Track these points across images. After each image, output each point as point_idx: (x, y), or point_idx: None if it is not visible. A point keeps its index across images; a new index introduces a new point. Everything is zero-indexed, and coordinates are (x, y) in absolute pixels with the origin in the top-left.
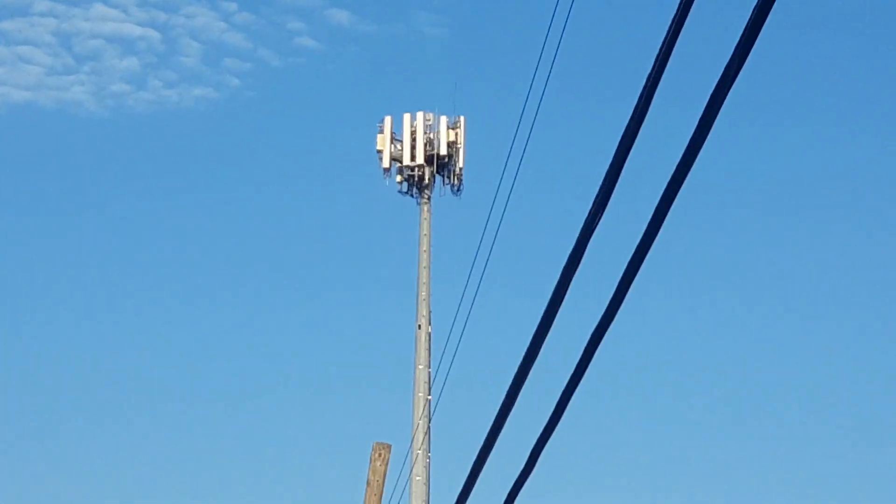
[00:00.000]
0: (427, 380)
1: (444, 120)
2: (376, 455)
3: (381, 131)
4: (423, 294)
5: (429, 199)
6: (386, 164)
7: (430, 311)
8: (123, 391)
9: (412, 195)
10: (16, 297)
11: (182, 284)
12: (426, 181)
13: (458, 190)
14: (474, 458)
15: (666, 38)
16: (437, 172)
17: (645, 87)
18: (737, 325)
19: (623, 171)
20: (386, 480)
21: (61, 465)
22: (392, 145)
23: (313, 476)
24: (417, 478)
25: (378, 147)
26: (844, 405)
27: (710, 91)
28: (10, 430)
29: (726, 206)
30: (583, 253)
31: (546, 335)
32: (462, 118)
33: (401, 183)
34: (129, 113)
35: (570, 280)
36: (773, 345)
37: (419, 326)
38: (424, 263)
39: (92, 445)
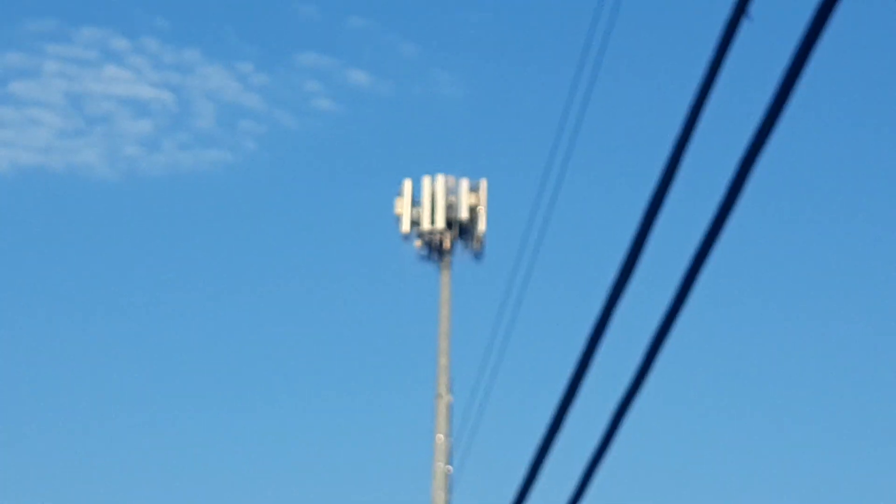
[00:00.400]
0: (447, 451)
1: (464, 183)
2: None
3: (400, 195)
4: (443, 362)
5: (449, 264)
6: (405, 228)
7: (450, 380)
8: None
9: (432, 260)
10: (23, 363)
11: (191, 352)
12: (446, 246)
13: (480, 255)
14: None
15: (696, 96)
16: (458, 237)
17: (673, 152)
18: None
19: (650, 234)
20: None
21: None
22: (411, 209)
23: None
24: None
25: (397, 211)
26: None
27: (742, 155)
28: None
29: (763, 271)
30: (608, 319)
31: (571, 404)
32: (484, 181)
33: (420, 248)
34: (141, 176)
35: (596, 347)
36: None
37: (439, 396)
38: (444, 330)
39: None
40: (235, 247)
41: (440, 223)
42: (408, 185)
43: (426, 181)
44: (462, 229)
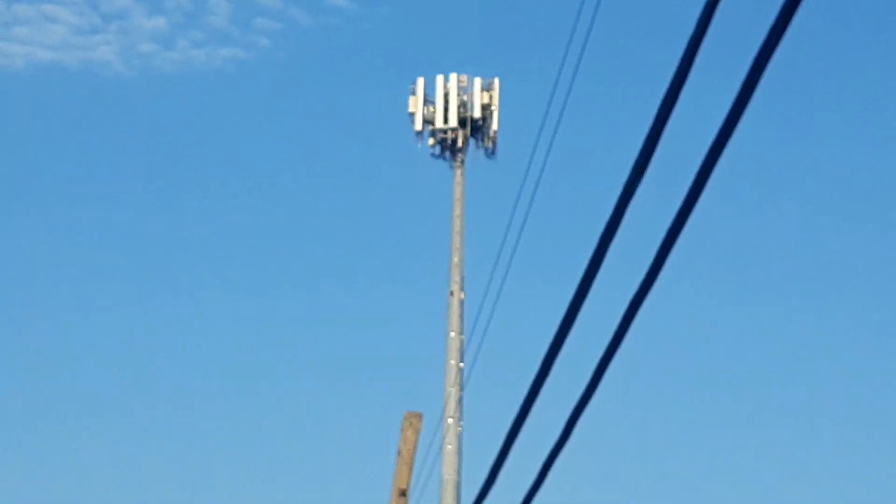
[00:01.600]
0: (459, 347)
1: (477, 82)
2: (407, 424)
3: (414, 93)
4: (456, 259)
5: (462, 162)
6: (418, 126)
7: (462, 277)
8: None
9: (445, 158)
10: (30, 259)
11: (207, 248)
12: (459, 144)
13: (493, 153)
14: (508, 427)
15: None
16: (471, 135)
17: (688, 45)
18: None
19: (665, 130)
20: (417, 450)
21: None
22: (424, 108)
23: (343, 446)
24: (449, 447)
25: (410, 109)
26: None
27: (758, 48)
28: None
29: (778, 159)
30: (621, 217)
31: (583, 302)
32: (496, 80)
33: (433, 146)
34: (156, 73)
35: (608, 246)
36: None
37: (451, 293)
38: (457, 228)
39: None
40: (249, 144)
41: (453, 121)
42: (421, 83)
43: (439, 80)
44: (475, 128)
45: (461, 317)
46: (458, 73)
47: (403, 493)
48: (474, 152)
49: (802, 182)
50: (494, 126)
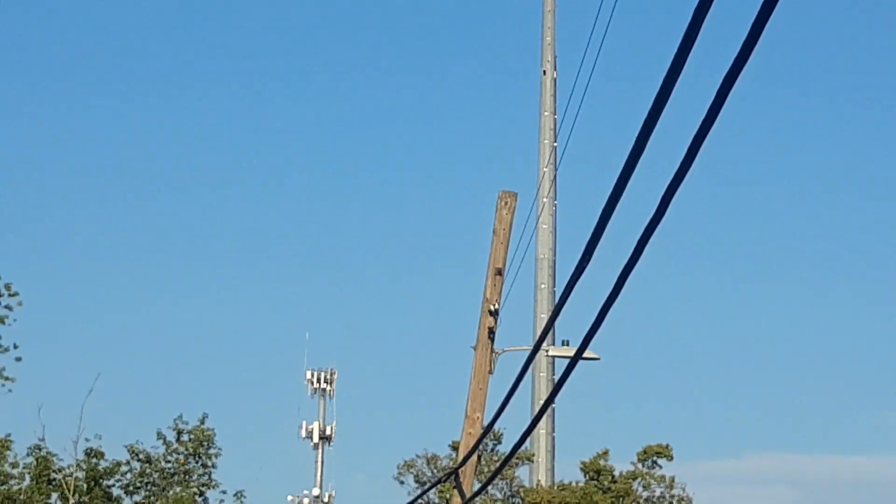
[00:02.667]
0: (553, 126)
1: None
2: (502, 203)
3: None
4: (549, 39)
5: None
6: None
7: (555, 57)
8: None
9: None
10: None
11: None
12: None
13: None
14: (603, 204)
15: None
16: None
17: None
18: None
19: None
20: (512, 228)
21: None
22: None
23: (441, 225)
24: (544, 226)
25: None
26: None
27: None
28: None
29: None
30: None
31: (677, 77)
32: None
33: None
34: None
35: (703, 18)
36: None
37: (544, 72)
38: (549, 7)
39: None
40: None
41: None
42: None
43: None
44: None
45: (554, 96)
46: None
47: (500, 272)
48: None
49: None
50: None
